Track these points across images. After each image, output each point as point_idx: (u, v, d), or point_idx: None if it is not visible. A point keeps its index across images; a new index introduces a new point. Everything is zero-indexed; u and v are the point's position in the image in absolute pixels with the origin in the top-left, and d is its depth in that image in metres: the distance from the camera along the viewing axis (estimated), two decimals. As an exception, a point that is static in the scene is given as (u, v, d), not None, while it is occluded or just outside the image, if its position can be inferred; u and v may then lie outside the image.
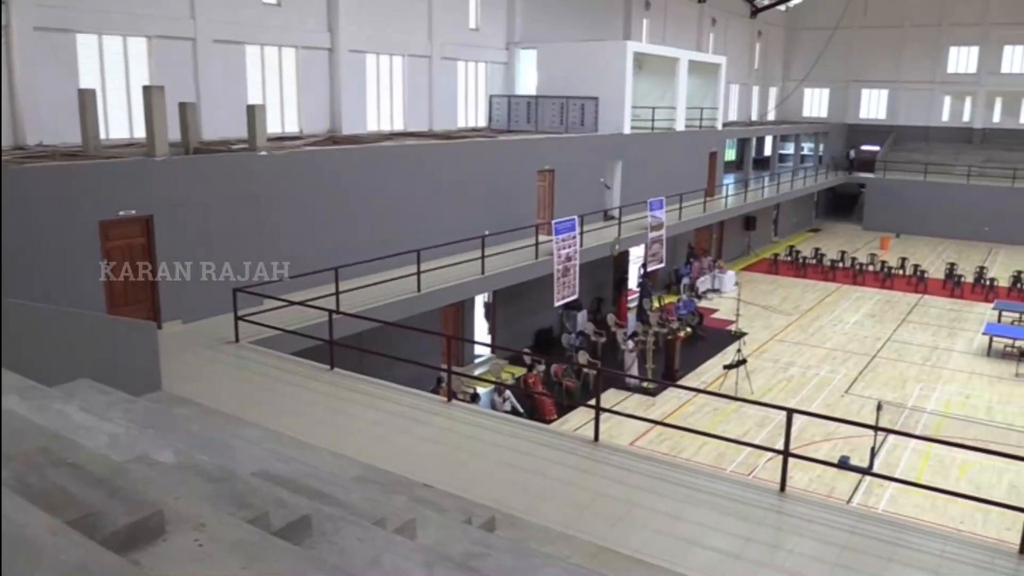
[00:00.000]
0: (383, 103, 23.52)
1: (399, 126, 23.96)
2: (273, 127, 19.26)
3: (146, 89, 14.00)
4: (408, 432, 9.59)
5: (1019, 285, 33.08)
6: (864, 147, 51.45)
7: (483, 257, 17.92)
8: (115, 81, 16.81)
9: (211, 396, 10.28)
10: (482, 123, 27.66)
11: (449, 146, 20.44)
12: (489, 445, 9.23)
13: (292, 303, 13.04)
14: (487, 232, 18.49)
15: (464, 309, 21.46)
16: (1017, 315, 27.89)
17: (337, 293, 13.91)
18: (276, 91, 20.32)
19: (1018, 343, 24.43)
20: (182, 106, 15.17)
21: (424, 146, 19.87)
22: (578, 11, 31.44)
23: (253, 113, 15.56)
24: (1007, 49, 48.42)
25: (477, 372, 21.63)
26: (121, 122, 16.95)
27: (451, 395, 10.86)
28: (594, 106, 25.85)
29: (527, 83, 28.55)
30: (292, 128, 20.75)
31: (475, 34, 26.65)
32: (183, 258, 13.65)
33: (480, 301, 22.44)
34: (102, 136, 14.84)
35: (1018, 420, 19.71)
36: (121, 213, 12.82)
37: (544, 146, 23.42)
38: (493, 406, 18.18)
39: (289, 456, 6.31)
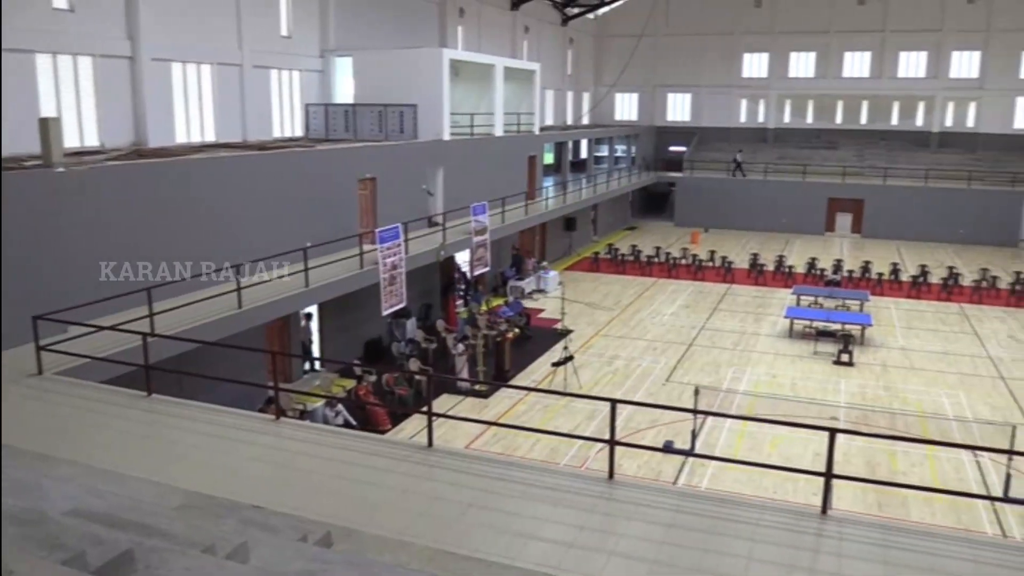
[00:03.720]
0: (192, 113, 22.50)
1: (210, 137, 23.01)
2: (71, 141, 18.03)
3: (-82, 103, 12.76)
4: (234, 453, 9.25)
5: (813, 271, 36.08)
6: (672, 148, 54.44)
7: (306, 269, 17.53)
8: None
9: (14, 435, 9.47)
10: (299, 132, 27.05)
11: (265, 157, 19.83)
12: (321, 460, 9.06)
13: (101, 328, 12.25)
14: (309, 244, 18.12)
15: (290, 324, 20.91)
16: (813, 298, 30.46)
17: (151, 315, 13.20)
18: (73, 103, 19.00)
19: (815, 324, 26.66)
20: (-37, 121, 13.93)
21: (238, 157, 19.18)
22: (393, 18, 31.38)
23: (47, 126, 14.42)
24: (793, 56, 52.80)
25: (308, 387, 21.11)
26: None
27: (279, 412, 10.58)
28: (413, 113, 25.87)
29: (344, 91, 28.17)
30: (92, 142, 19.47)
31: (288, 41, 26.03)
32: (-28, 286, 12.51)
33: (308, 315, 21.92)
34: None
35: (818, 394, 21.50)
36: None
37: (364, 154, 23.20)
38: (325, 421, 17.84)
39: (105, 491, 5.97)
